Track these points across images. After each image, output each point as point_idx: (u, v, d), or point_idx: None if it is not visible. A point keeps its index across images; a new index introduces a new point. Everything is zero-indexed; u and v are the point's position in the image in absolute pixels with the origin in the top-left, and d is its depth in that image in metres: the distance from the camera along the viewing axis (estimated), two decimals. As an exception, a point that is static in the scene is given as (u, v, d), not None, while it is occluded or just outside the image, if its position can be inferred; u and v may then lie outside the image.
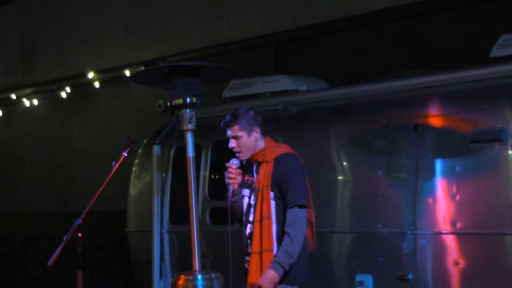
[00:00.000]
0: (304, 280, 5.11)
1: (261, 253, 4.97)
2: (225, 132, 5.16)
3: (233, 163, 5.10)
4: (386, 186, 6.38)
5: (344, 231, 6.58)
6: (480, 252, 5.88)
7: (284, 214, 5.00)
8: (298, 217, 4.95)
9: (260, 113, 5.22)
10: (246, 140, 5.07)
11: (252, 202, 5.11)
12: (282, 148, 5.17)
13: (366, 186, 6.50)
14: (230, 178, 5.09)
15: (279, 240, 4.98)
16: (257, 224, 5.00)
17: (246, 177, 5.18)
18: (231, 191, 5.11)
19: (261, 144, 5.12)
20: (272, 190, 4.99)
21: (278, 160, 5.04)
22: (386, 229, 6.30)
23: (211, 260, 7.46)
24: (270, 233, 4.97)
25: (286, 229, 4.95)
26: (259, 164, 5.11)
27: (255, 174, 5.15)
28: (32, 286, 11.31)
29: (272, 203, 5.00)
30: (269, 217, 4.97)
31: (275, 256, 4.94)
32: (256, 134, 5.09)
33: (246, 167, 5.23)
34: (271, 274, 4.90)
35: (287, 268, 4.92)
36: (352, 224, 6.55)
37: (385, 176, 6.40)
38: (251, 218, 5.08)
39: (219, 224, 7.49)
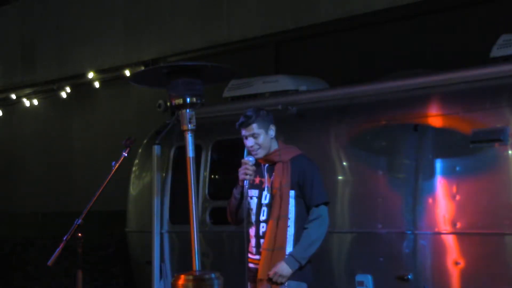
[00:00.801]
0: (312, 280, 5.15)
1: (273, 250, 4.99)
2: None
3: (249, 160, 5.12)
4: (386, 186, 6.38)
5: (344, 231, 6.58)
6: (480, 252, 5.88)
7: (303, 213, 5.07)
8: (323, 213, 5.06)
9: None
10: (264, 137, 5.11)
11: (264, 202, 5.11)
12: (295, 150, 5.23)
13: (366, 186, 6.50)
14: (247, 174, 5.09)
15: (297, 239, 5.03)
16: (272, 223, 5.02)
17: (255, 178, 5.20)
18: (246, 185, 5.12)
19: (275, 144, 5.17)
20: (292, 189, 5.04)
21: (295, 161, 5.10)
22: (386, 229, 6.30)
23: (211, 260, 7.46)
24: (285, 232, 5.01)
25: (306, 225, 5.03)
26: (272, 164, 5.12)
27: (265, 174, 5.16)
28: (32, 286, 11.30)
29: (292, 201, 5.05)
30: (286, 216, 5.02)
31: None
32: (272, 132, 5.14)
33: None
34: (282, 267, 4.95)
35: (302, 262, 4.97)
36: (352, 224, 6.55)
37: (385, 176, 6.40)
38: (263, 218, 5.09)
39: (219, 224, 7.49)
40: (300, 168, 5.08)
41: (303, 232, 5.02)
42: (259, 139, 5.10)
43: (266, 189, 5.12)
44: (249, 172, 5.09)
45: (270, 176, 5.14)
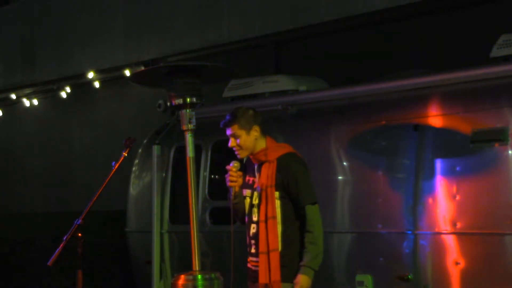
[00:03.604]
0: None
1: (268, 253, 4.96)
2: (225, 132, 5.15)
3: (233, 165, 5.09)
4: (386, 186, 6.38)
5: (344, 231, 6.58)
6: (480, 252, 5.89)
7: (290, 214, 5.00)
8: (311, 214, 4.97)
9: (260, 113, 5.21)
10: (245, 138, 5.06)
11: (254, 202, 5.10)
12: (284, 148, 5.16)
13: (366, 186, 6.50)
14: (231, 181, 5.08)
15: (284, 241, 4.98)
16: (262, 225, 4.99)
17: (247, 177, 5.17)
18: (231, 193, 5.11)
19: (262, 143, 5.09)
20: (277, 190, 4.99)
21: (281, 160, 5.03)
22: (386, 229, 6.30)
23: (211, 260, 7.47)
24: (275, 233, 4.96)
25: (306, 229, 4.97)
26: (260, 164, 5.10)
27: (256, 174, 5.14)
28: (32, 286, 11.30)
29: (277, 202, 4.99)
30: (274, 217, 4.97)
31: (302, 260, 4.94)
32: (256, 132, 5.06)
33: (247, 167, 5.23)
34: (302, 279, 4.91)
35: (316, 268, 4.95)
36: (352, 224, 6.55)
37: (385, 176, 6.40)
38: (255, 218, 5.07)
39: (219, 224, 7.49)
40: (285, 168, 5.00)
41: (306, 237, 4.95)
42: (239, 140, 5.07)
43: (257, 189, 5.11)
44: (234, 178, 5.07)
45: (260, 175, 5.11)
